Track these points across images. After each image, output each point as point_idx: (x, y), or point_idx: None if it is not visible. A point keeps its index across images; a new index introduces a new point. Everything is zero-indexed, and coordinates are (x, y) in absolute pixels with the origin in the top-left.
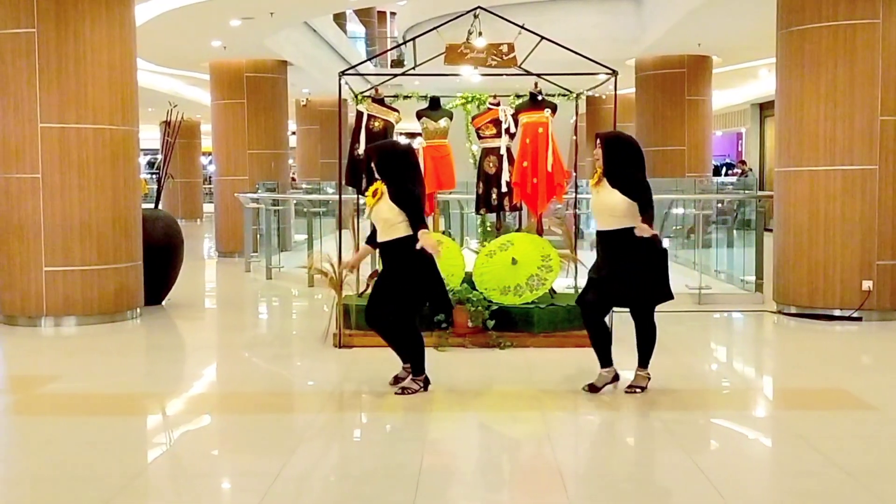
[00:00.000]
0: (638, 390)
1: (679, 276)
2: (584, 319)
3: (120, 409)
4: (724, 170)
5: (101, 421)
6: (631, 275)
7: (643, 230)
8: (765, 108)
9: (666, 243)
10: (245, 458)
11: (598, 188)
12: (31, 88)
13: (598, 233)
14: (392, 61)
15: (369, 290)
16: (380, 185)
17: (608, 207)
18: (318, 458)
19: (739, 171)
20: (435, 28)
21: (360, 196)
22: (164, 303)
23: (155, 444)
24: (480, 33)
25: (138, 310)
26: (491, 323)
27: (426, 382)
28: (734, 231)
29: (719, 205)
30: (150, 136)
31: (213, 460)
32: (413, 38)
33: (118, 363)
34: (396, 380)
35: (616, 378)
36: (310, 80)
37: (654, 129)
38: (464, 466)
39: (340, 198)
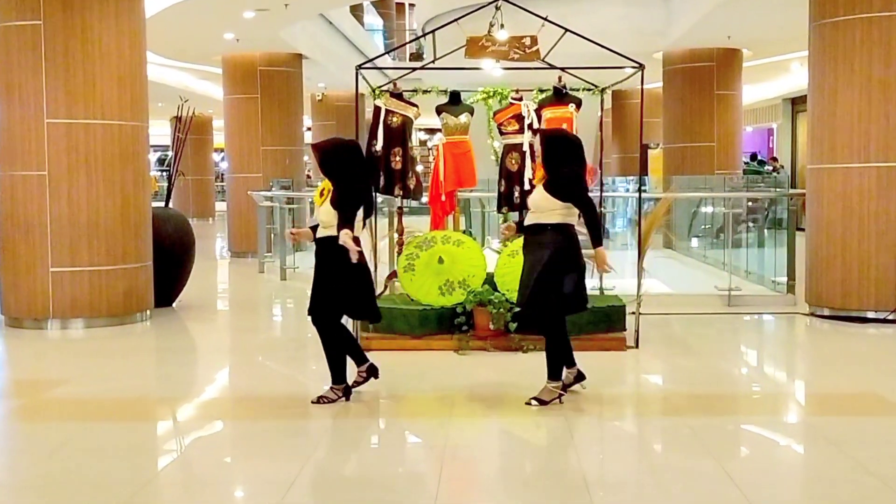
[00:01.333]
0: (535, 403)
1: (708, 277)
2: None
3: (129, 415)
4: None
5: (110, 427)
6: (533, 274)
7: (602, 261)
8: (797, 102)
9: (694, 243)
10: (259, 465)
11: (538, 186)
12: (36, 82)
13: (524, 231)
14: (411, 55)
15: (387, 292)
16: (326, 184)
17: (533, 202)
18: (334, 466)
19: (770, 167)
20: (455, 20)
21: (377, 194)
22: (174, 305)
23: (166, 451)
24: (502, 25)
25: (148, 312)
26: (513, 325)
27: (347, 392)
28: (765, 230)
29: (749, 203)
30: (160, 132)
31: (225, 468)
32: (433, 31)
33: (127, 367)
34: (351, 386)
35: (580, 377)
36: (326, 73)
37: (682, 124)
38: (485, 474)
39: None
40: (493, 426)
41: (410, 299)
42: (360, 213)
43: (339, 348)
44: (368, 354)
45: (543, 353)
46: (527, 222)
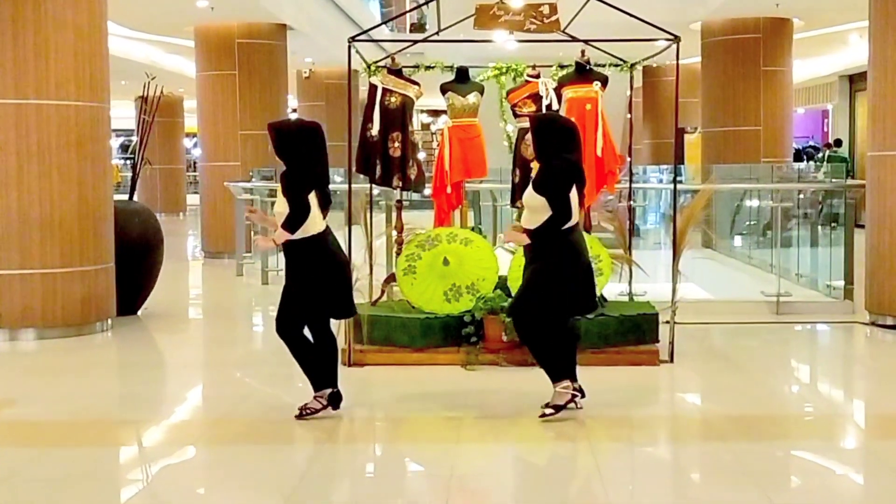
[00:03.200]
0: (549, 411)
1: (754, 281)
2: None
3: (88, 440)
4: (806, 158)
5: (66, 454)
6: (526, 284)
7: (509, 235)
8: (855, 80)
9: (738, 241)
10: (236, 496)
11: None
12: None
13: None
14: (411, 25)
15: (384, 298)
16: None
17: (525, 201)
18: (322, 498)
19: (820, 154)
20: None
21: (372, 185)
22: (139, 313)
23: (129, 481)
24: None
25: (109, 321)
26: None
27: (334, 399)
28: (819, 227)
29: (801, 196)
30: (123, 115)
31: (197, 500)
32: None
33: (86, 384)
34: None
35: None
36: (314, 47)
37: (723, 105)
38: None
39: (350, 188)
40: (505, 453)
41: (411, 306)
42: (315, 204)
43: (311, 353)
44: (362, 370)
45: None
46: (522, 224)
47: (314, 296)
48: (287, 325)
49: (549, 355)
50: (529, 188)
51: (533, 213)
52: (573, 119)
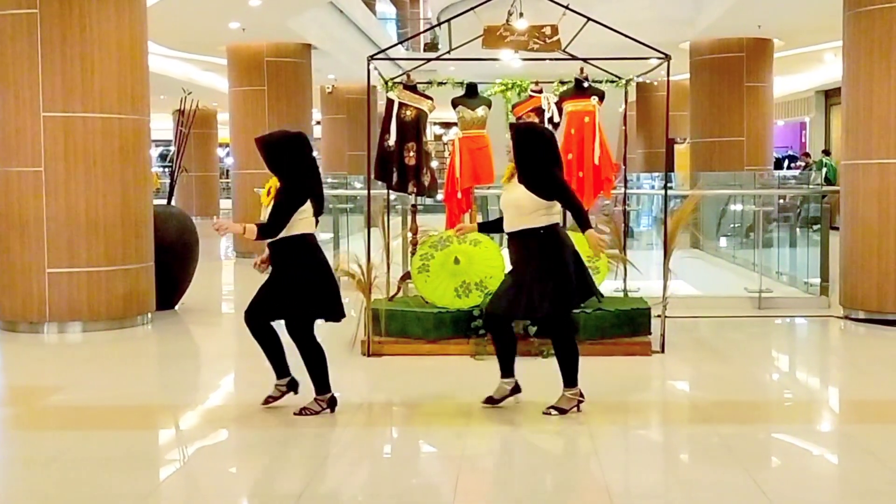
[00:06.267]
0: (554, 412)
1: (737, 278)
2: (490, 323)
3: (130, 423)
4: (786, 163)
5: (109, 436)
6: (530, 282)
7: (596, 243)
8: (830, 95)
9: (723, 242)
10: (265, 476)
11: (509, 185)
12: (32, 74)
13: (507, 235)
14: (425, 45)
15: (400, 294)
16: (273, 182)
17: (514, 204)
18: (344, 477)
19: (803, 163)
20: (472, 8)
21: (389, 191)
22: (177, 307)
23: (167, 462)
24: (521, 14)
25: (149, 315)
26: (533, 329)
27: (332, 403)
28: (797, 229)
29: (781, 201)
30: (162, 127)
31: (230, 479)
32: (448, 20)
33: (127, 373)
34: (267, 400)
35: (516, 390)
36: (336, 65)
37: (710, 118)
38: (503, 486)
39: (369, 193)
40: (512, 436)
41: (425, 301)
42: (310, 209)
43: (317, 355)
44: (380, 360)
45: None
46: (510, 226)
47: (303, 294)
48: (258, 316)
49: (575, 356)
50: (518, 191)
51: (522, 214)
52: (573, 130)
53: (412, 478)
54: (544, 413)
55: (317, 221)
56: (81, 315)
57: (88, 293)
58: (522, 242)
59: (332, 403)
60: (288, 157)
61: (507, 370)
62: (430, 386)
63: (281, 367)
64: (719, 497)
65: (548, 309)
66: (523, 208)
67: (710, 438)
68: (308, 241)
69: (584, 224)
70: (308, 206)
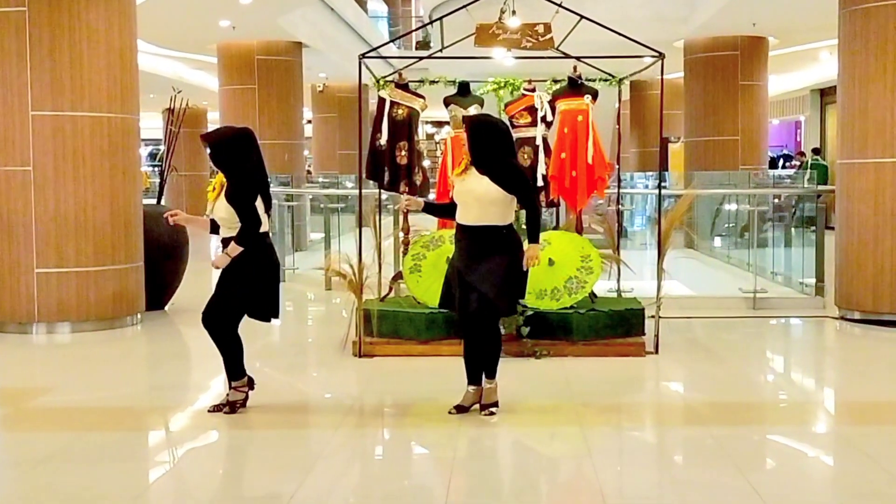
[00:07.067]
0: (494, 410)
1: (732, 278)
2: (465, 329)
3: (119, 424)
4: (780, 162)
5: (99, 437)
6: (493, 277)
7: (531, 258)
8: (826, 94)
9: (717, 242)
10: (256, 478)
11: (464, 177)
12: (21, 72)
13: (461, 227)
14: (417, 43)
15: (392, 294)
16: (220, 179)
17: (476, 196)
18: (336, 479)
19: (798, 163)
20: (464, 6)
21: (381, 190)
22: (167, 308)
23: (157, 463)
24: (514, 12)
25: (139, 315)
26: (525, 330)
27: (250, 382)
28: (792, 229)
29: (776, 200)
30: (151, 125)
31: (220, 480)
32: (440, 18)
33: (117, 373)
34: (218, 406)
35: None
36: (327, 63)
37: (704, 117)
38: (496, 488)
39: (361, 192)
40: (505, 436)
41: (417, 302)
42: (261, 206)
43: (234, 347)
44: (371, 360)
45: (558, 360)
46: (469, 219)
47: (244, 290)
48: (216, 318)
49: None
50: (483, 183)
51: (490, 206)
52: (566, 129)
53: (404, 479)
54: (483, 415)
55: (269, 216)
56: (70, 315)
57: (77, 293)
58: (481, 238)
59: (250, 382)
60: (234, 154)
61: (475, 378)
62: (422, 387)
63: (240, 368)
64: (713, 498)
65: (505, 309)
66: (492, 200)
67: (705, 440)
68: (259, 239)
69: (534, 231)
70: (259, 203)
